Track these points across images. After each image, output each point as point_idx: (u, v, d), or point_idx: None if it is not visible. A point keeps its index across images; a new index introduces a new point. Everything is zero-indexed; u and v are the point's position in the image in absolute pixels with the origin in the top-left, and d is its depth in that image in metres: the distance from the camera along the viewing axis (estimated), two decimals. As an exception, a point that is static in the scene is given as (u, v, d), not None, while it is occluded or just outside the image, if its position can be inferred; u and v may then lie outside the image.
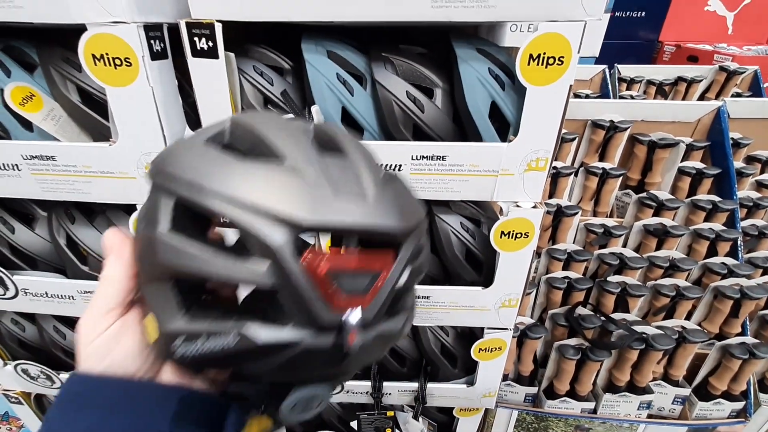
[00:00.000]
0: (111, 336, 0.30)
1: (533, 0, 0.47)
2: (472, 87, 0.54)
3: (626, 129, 0.99)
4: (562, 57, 0.50)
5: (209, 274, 0.26)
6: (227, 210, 0.25)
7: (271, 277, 0.25)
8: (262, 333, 0.26)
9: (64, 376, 0.83)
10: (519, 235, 0.61)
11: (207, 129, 0.31)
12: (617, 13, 1.94)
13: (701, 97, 1.49)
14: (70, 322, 0.81)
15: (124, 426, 0.28)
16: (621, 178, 1.01)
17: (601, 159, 1.03)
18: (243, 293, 0.38)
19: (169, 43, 0.55)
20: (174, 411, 0.29)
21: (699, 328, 0.88)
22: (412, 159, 0.57)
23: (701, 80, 1.45)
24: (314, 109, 0.52)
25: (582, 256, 0.90)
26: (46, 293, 0.71)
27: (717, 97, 1.46)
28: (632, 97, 1.39)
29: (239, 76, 0.55)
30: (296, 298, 0.25)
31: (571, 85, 0.52)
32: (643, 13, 1.94)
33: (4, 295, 0.72)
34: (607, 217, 1.04)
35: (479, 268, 0.67)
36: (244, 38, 0.59)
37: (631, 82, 1.45)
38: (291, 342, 0.26)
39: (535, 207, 0.60)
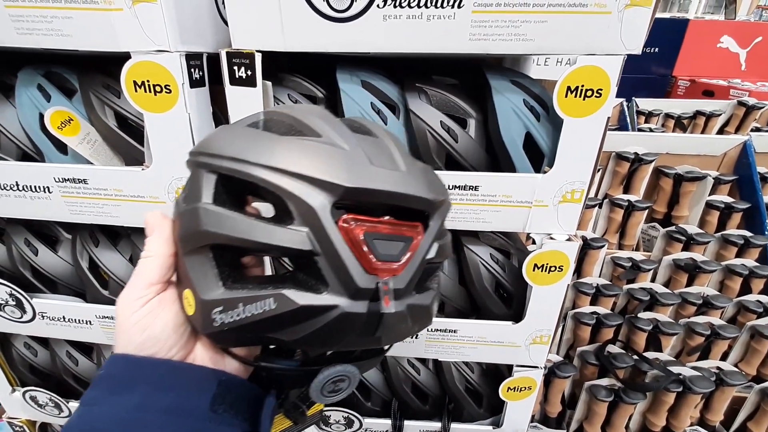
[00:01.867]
0: (149, 311, 0.30)
1: (572, 33, 0.47)
2: (507, 118, 0.54)
3: (651, 161, 0.98)
4: (600, 90, 0.50)
5: (250, 241, 0.27)
6: (268, 177, 0.26)
7: (311, 241, 0.26)
8: (301, 297, 0.26)
9: (74, 404, 0.80)
10: (553, 269, 0.59)
11: (242, 120, 0.32)
12: (630, 49, 1.97)
13: (720, 131, 1.48)
14: (84, 348, 0.79)
15: (170, 403, 0.28)
16: (647, 211, 0.99)
17: (626, 191, 1.02)
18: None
19: (207, 71, 0.56)
20: (213, 393, 0.30)
21: (737, 369, 0.83)
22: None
23: (720, 114, 1.45)
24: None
25: (611, 290, 0.87)
26: (64, 317, 0.70)
27: (736, 131, 1.46)
28: (651, 130, 1.39)
29: (275, 103, 0.56)
30: (335, 261, 0.26)
31: (608, 117, 0.52)
32: (657, 49, 1.97)
33: (21, 318, 0.71)
34: (633, 250, 1.02)
35: (509, 301, 0.65)
36: (279, 67, 0.60)
37: (649, 115, 1.46)
38: (329, 305, 0.26)
39: (569, 240, 0.58)
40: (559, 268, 0.59)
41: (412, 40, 0.49)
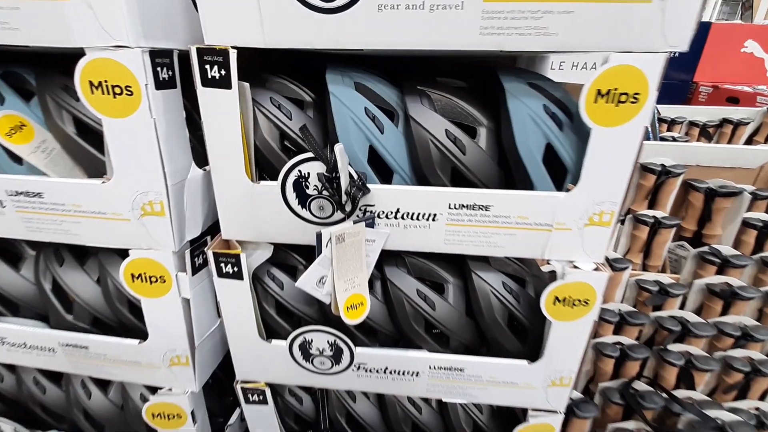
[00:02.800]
0: None
1: (604, 27, 0.39)
2: (524, 126, 0.46)
3: (680, 174, 0.89)
4: (637, 94, 0.42)
5: None
6: None
7: None
8: None
9: (40, 437, 0.73)
10: (577, 303, 0.50)
11: None
12: (648, 54, 1.88)
13: (749, 141, 1.38)
14: (52, 375, 0.72)
15: None
16: (675, 229, 0.89)
17: (651, 206, 0.93)
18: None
19: (179, 71, 0.49)
20: None
21: (781, 412, 0.73)
22: (450, 208, 0.48)
23: (748, 123, 1.35)
24: (337, 147, 0.44)
25: (636, 318, 0.78)
26: (25, 344, 0.63)
27: (766, 140, 1.35)
28: (674, 139, 1.29)
29: (254, 108, 0.48)
30: None
31: (645, 127, 0.43)
32: (677, 53, 1.88)
33: (-20, 343, 0.64)
34: (658, 272, 0.92)
35: (524, 336, 0.56)
36: (261, 67, 0.53)
37: (672, 123, 1.36)
38: None
39: (597, 269, 0.50)
40: (584, 302, 0.50)
41: (412, 35, 0.41)
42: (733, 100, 1.75)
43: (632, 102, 0.42)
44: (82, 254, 0.62)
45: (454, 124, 0.47)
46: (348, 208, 0.46)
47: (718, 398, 0.78)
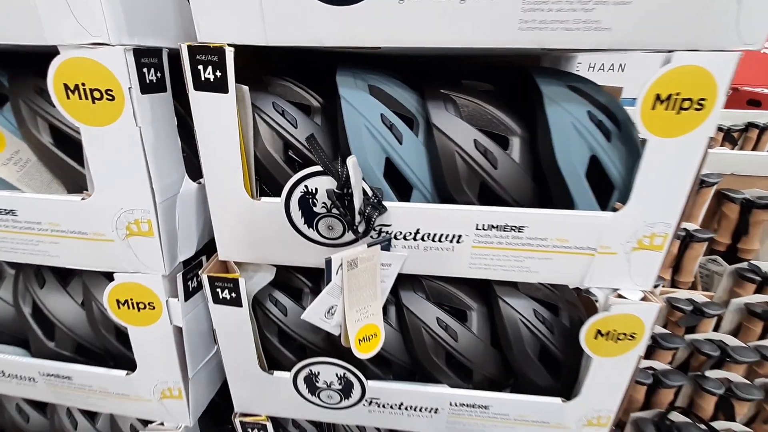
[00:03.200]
0: None
1: (667, 20, 0.33)
2: (565, 136, 0.40)
3: (713, 184, 0.82)
4: (703, 100, 0.35)
5: None
6: None
7: None
8: None
9: (22, 469, 0.68)
10: (622, 337, 0.44)
11: None
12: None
13: (775, 146, 1.31)
14: (37, 403, 0.67)
15: None
16: (707, 243, 0.83)
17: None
18: None
19: (168, 72, 0.43)
20: None
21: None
22: (478, 229, 0.42)
23: (775, 127, 1.28)
24: (350, 161, 0.38)
25: (670, 341, 0.72)
26: (3, 372, 0.57)
27: (796, 146, 1.29)
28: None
29: (254, 114, 0.42)
30: None
31: (710, 138, 0.37)
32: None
33: (-46, 370, 0.58)
34: (689, 288, 0.86)
35: (557, 371, 0.50)
36: (262, 68, 0.47)
37: (694, 128, 1.30)
38: None
39: (645, 298, 0.43)
40: (630, 335, 0.44)
41: (439, 30, 0.35)
42: (755, 102, 1.68)
43: (696, 109, 0.36)
44: (65, 275, 0.56)
45: (484, 134, 0.41)
46: (361, 229, 0.40)
47: (759, 429, 0.72)
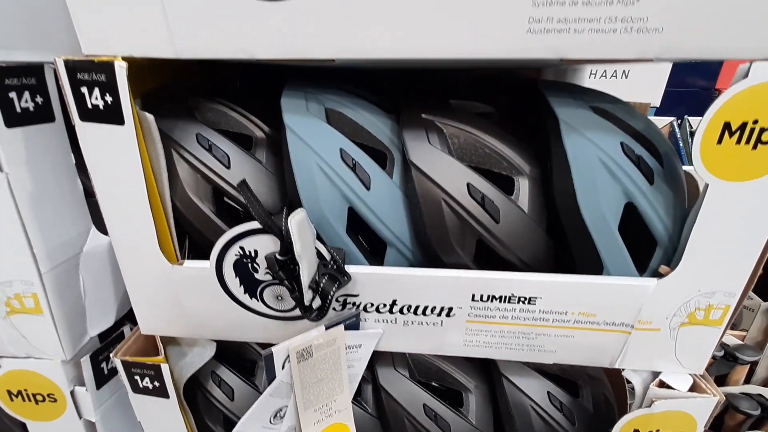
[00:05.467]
0: None
1: (745, 19, 0.23)
2: (591, 177, 0.29)
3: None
4: (790, 128, 0.25)
5: None
6: None
7: None
8: None
9: None
10: (668, 438, 0.33)
11: None
12: (667, 58, 1.73)
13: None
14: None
15: None
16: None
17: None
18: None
19: (61, 92, 0.32)
20: None
21: None
22: (474, 300, 0.31)
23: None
24: (293, 219, 0.27)
25: (702, 396, 0.61)
26: None
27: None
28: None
29: (170, 151, 0.31)
30: None
31: (796, 181, 0.27)
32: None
33: None
34: (716, 324, 0.75)
35: (578, 467, 0.39)
36: (185, 86, 0.36)
37: (706, 137, 1.20)
38: None
39: (696, 387, 0.33)
40: (678, 436, 0.33)
41: (413, 36, 0.25)
42: (763, 107, 1.59)
43: (779, 142, 0.25)
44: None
45: (480, 174, 0.30)
46: (315, 305, 0.30)
47: (808, 495, 0.61)
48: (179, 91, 0.34)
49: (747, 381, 0.68)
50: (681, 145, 1.16)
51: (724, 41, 0.24)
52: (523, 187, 0.31)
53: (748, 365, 0.66)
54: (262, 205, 0.29)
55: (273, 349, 0.29)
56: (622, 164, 0.29)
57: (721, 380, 0.67)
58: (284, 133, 0.31)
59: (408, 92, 0.35)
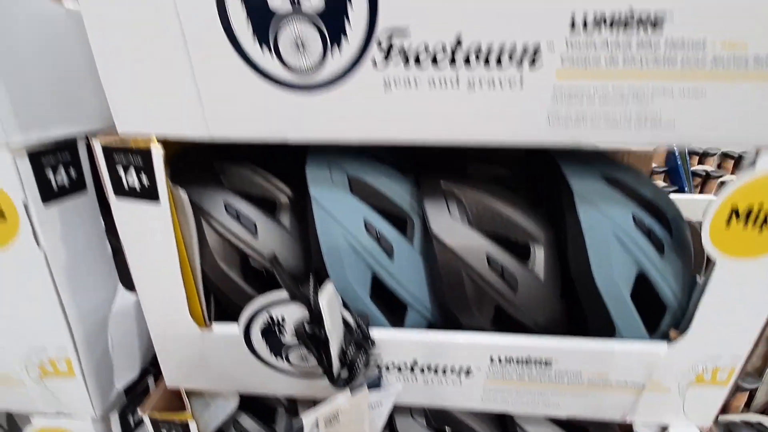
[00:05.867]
0: None
1: (755, 112, 0.24)
2: (605, 250, 0.30)
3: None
4: (794, 212, 0.26)
5: None
6: None
7: None
8: None
9: None
10: (678, 490, 0.35)
11: None
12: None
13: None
14: None
15: None
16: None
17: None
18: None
19: (90, 159, 0.33)
20: None
21: None
22: (493, 361, 0.33)
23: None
24: (324, 296, 0.28)
25: (705, 425, 0.63)
26: None
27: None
28: (707, 173, 1.16)
29: (200, 220, 0.33)
30: None
31: (799, 257, 0.28)
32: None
33: None
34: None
35: None
36: (209, 147, 0.37)
37: (704, 155, 1.22)
38: None
39: (704, 441, 0.34)
40: (687, 489, 0.35)
41: (438, 125, 0.26)
42: None
43: (783, 224, 0.27)
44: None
45: (498, 243, 0.32)
46: (344, 376, 0.31)
47: None
48: (205, 155, 0.35)
49: (747, 406, 0.70)
50: (679, 162, 1.18)
51: (733, 132, 0.25)
52: (539, 255, 0.32)
53: (747, 393, 0.68)
54: (291, 278, 0.30)
55: (303, 421, 0.30)
56: (635, 237, 0.30)
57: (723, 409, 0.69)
58: (310, 204, 0.32)
59: (426, 154, 0.37)
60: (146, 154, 0.28)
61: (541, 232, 0.32)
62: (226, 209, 0.33)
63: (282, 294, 0.31)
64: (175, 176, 0.30)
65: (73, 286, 0.32)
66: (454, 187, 0.33)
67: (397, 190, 0.34)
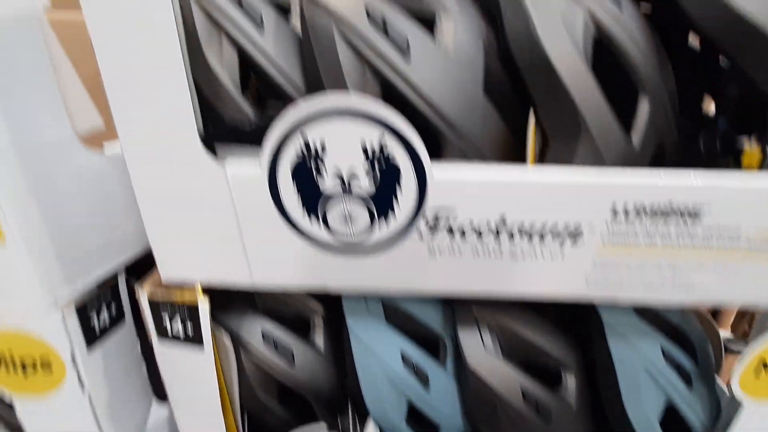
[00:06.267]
0: None
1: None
2: (635, 382, 0.32)
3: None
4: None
5: None
6: None
7: None
8: None
9: None
10: None
11: None
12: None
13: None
14: None
15: None
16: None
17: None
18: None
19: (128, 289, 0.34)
20: None
21: None
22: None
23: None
24: (369, 426, 0.29)
25: None
26: None
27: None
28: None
29: (237, 349, 0.33)
30: None
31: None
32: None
33: None
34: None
35: None
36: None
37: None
38: None
39: None
40: None
41: (478, 284, 0.27)
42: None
43: (810, 371, 0.28)
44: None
45: (530, 370, 0.33)
46: (381, 508, 0.32)
47: None
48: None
49: None
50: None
51: (754, 292, 0.26)
52: (570, 382, 0.33)
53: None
54: (329, 407, 0.31)
55: None
56: (664, 372, 0.31)
57: None
58: (347, 332, 0.33)
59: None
60: (193, 309, 0.28)
61: (571, 359, 0.33)
62: (263, 338, 0.34)
63: (321, 427, 0.32)
64: (210, 297, 0.30)
65: (115, 418, 0.33)
66: (485, 314, 0.34)
67: (430, 313, 0.35)
